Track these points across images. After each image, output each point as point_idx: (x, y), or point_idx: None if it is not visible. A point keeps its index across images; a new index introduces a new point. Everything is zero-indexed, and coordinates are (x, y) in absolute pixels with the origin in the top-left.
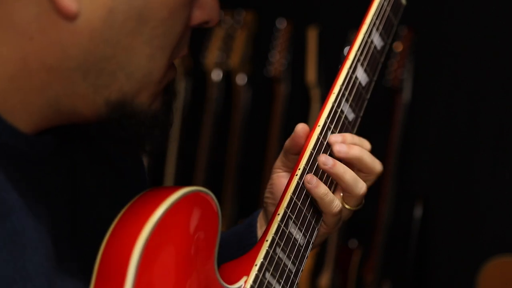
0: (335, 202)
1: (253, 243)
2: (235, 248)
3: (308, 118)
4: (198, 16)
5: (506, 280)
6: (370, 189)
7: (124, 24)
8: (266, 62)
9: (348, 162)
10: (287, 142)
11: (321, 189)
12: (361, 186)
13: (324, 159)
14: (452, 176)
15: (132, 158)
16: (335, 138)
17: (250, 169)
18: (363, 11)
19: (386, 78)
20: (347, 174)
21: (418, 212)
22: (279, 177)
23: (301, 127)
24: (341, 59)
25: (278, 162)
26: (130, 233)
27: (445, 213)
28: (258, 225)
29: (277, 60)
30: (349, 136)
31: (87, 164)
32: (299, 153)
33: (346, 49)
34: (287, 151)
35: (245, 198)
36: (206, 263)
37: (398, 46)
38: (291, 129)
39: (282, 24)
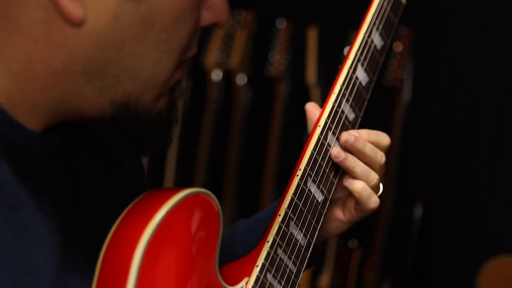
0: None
1: None
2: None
3: None
4: (207, 17)
5: (506, 280)
6: None
7: (129, 30)
8: (266, 62)
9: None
10: (308, 126)
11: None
12: (372, 177)
13: (337, 153)
14: (452, 176)
15: (134, 157)
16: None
17: (250, 169)
18: (363, 11)
19: (386, 78)
20: (358, 167)
21: (418, 212)
22: None
23: (310, 105)
24: (341, 59)
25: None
26: (132, 234)
27: (445, 213)
28: None
29: (277, 60)
30: (364, 133)
31: (91, 160)
32: None
33: (346, 49)
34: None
35: (245, 198)
36: (208, 264)
37: (398, 46)
38: (291, 129)
39: (282, 24)
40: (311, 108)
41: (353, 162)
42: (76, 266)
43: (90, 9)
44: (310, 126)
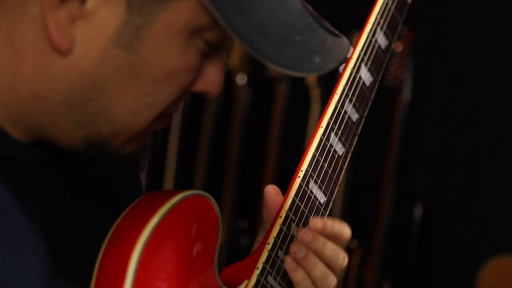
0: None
1: None
2: None
3: (308, 118)
4: (199, 85)
5: (506, 280)
6: (370, 189)
7: (115, 74)
8: None
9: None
10: (264, 212)
11: (299, 273)
12: (330, 282)
13: (297, 250)
14: (452, 176)
15: (131, 170)
16: (315, 224)
17: (250, 169)
18: (363, 11)
19: (386, 78)
20: (316, 268)
21: (418, 212)
22: None
23: (270, 188)
24: None
25: (260, 237)
26: (129, 236)
27: (445, 213)
28: None
29: None
30: (329, 224)
31: (81, 170)
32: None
33: None
34: (267, 220)
35: (245, 198)
36: (207, 266)
37: (398, 46)
38: (291, 129)
39: None
40: (271, 193)
41: (312, 263)
42: (68, 274)
43: (80, 44)
44: (269, 213)
